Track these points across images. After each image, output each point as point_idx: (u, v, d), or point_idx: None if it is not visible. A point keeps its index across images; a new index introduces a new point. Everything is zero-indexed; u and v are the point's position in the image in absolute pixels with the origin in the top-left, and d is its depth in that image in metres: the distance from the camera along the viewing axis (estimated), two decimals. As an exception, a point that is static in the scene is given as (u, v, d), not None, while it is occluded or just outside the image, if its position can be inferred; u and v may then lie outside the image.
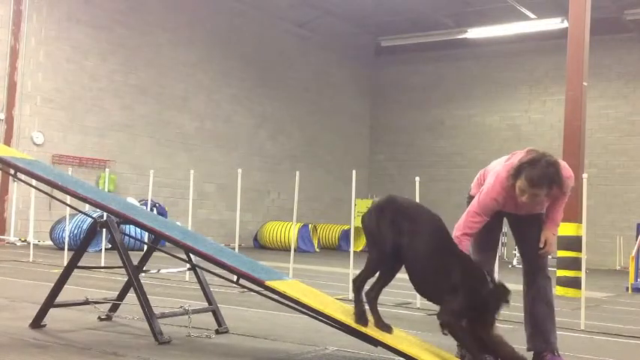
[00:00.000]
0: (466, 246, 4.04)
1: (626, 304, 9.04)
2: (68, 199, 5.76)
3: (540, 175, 3.83)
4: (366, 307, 3.92)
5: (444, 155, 23.59)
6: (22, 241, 14.29)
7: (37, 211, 12.62)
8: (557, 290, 9.58)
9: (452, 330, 3.78)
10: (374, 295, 4.03)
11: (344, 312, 3.97)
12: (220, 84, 19.70)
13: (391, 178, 23.99)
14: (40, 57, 15.49)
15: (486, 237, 4.29)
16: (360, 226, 4.12)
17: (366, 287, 4.02)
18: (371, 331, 3.82)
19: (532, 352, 4.25)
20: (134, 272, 4.49)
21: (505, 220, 4.33)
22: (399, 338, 3.90)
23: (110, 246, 9.65)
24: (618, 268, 18.40)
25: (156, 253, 5.19)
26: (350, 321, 3.85)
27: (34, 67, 15.38)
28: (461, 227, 4.07)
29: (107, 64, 16.80)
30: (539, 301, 4.22)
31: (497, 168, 4.14)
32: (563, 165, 4.01)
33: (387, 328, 3.89)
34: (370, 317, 3.89)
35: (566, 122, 10.20)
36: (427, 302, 4.25)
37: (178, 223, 6.32)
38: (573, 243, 9.60)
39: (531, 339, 4.25)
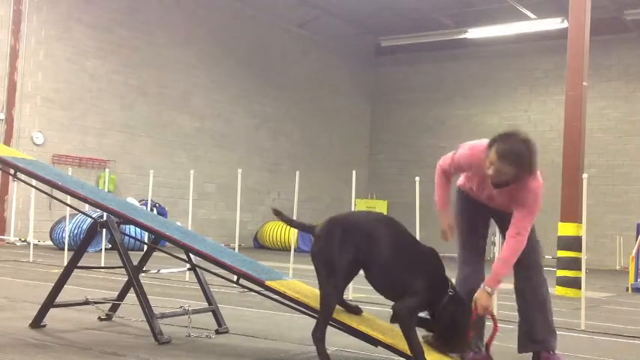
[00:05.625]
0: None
1: (626, 304, 9.03)
2: (68, 199, 5.76)
3: (510, 149, 3.71)
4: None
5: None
6: (22, 241, 14.29)
7: (37, 211, 12.62)
8: (557, 290, 9.59)
9: (403, 324, 3.69)
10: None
11: (344, 312, 3.97)
12: (220, 84, 19.70)
13: (391, 178, 23.98)
14: (40, 57, 15.49)
15: (469, 238, 4.29)
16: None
17: None
18: (371, 331, 3.81)
19: (529, 353, 4.22)
20: (134, 272, 4.49)
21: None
22: (399, 338, 3.90)
23: (110, 246, 9.66)
24: (618, 268, 18.39)
25: (156, 253, 5.19)
26: (350, 321, 3.85)
27: (34, 67, 15.38)
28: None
29: (107, 64, 16.80)
30: (533, 300, 4.15)
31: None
32: (536, 164, 3.84)
33: (356, 310, 3.97)
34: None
35: (566, 122, 10.21)
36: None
37: (178, 223, 6.31)
38: (573, 243, 9.61)
39: (529, 338, 4.17)
